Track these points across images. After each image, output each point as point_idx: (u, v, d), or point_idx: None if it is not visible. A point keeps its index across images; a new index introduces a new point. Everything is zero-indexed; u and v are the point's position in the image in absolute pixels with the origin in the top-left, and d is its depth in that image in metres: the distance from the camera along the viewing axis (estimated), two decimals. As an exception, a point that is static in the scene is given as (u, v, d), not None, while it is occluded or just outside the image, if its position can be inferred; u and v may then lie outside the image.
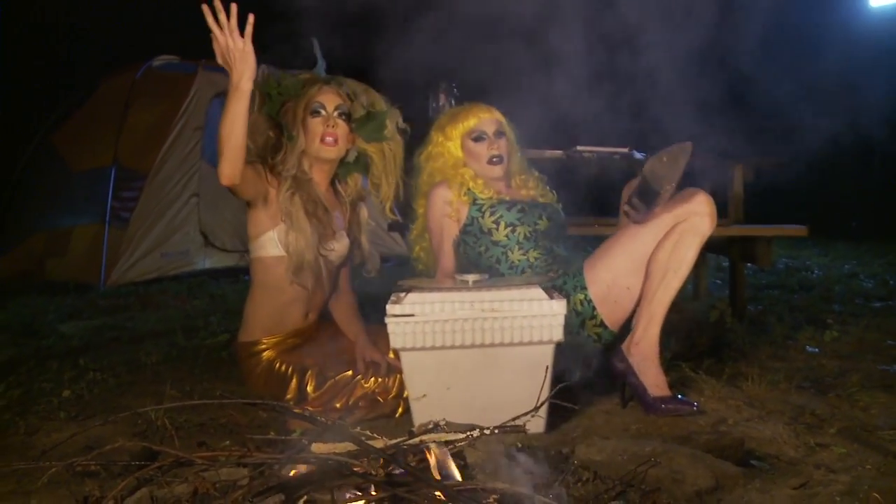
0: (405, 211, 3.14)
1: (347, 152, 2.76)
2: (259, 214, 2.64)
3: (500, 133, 2.92)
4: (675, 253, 2.56)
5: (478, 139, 2.90)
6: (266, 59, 2.55)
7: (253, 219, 2.66)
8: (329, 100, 2.70)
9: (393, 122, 2.82)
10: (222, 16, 2.30)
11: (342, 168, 2.81)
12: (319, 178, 2.75)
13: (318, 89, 2.71)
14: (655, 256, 2.59)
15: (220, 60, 2.34)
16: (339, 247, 2.76)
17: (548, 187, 3.06)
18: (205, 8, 2.29)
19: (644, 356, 2.58)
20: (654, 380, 2.57)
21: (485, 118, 2.92)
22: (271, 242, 2.64)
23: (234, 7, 2.30)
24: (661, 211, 2.61)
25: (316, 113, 2.68)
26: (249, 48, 2.31)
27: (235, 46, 2.30)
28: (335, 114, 2.69)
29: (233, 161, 2.37)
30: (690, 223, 2.57)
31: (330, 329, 2.82)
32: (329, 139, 2.67)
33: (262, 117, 2.66)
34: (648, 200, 2.57)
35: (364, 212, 2.88)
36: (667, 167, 2.57)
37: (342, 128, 2.70)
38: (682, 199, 2.60)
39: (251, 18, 2.32)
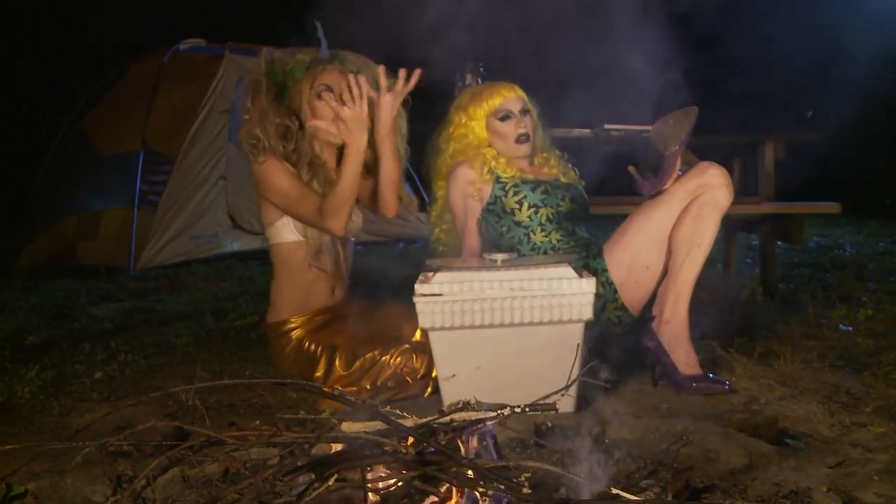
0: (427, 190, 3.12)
1: None
2: (271, 204, 2.66)
3: (525, 111, 2.88)
4: (696, 228, 2.54)
5: (504, 118, 2.86)
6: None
7: (266, 206, 2.67)
8: (335, 81, 2.68)
9: None
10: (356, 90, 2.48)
11: None
12: (329, 157, 2.75)
13: (322, 70, 2.70)
14: (677, 233, 2.57)
15: (333, 127, 2.56)
16: (353, 226, 2.77)
17: (569, 165, 3.02)
18: (351, 80, 2.50)
19: (674, 335, 2.56)
20: (685, 358, 2.55)
21: (510, 97, 2.88)
22: (287, 228, 2.66)
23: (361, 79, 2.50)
24: (676, 187, 2.60)
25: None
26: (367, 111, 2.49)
27: (362, 113, 2.47)
28: None
29: (350, 213, 2.56)
30: (708, 196, 2.54)
31: (358, 307, 2.82)
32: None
33: (271, 106, 2.66)
34: (655, 163, 2.61)
35: None
36: (672, 129, 2.61)
37: None
38: (695, 174, 2.58)
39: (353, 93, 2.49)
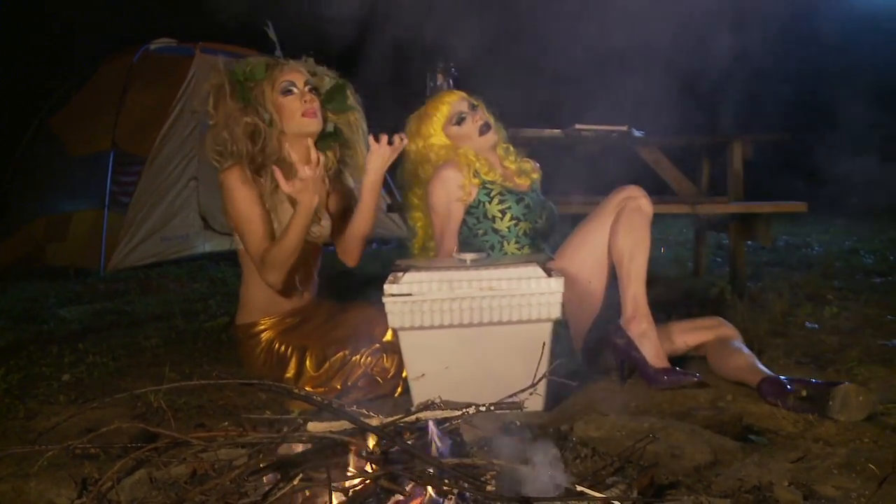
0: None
1: (325, 124, 2.77)
2: None
3: (473, 106, 2.91)
4: (630, 233, 2.65)
5: (460, 121, 2.88)
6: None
7: None
8: (297, 77, 2.71)
9: (351, 92, 2.86)
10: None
11: (321, 142, 2.80)
12: (299, 157, 2.74)
13: (282, 69, 2.71)
14: (615, 245, 2.68)
15: (287, 191, 2.50)
16: (321, 230, 2.77)
17: (526, 158, 3.04)
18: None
19: (641, 330, 2.60)
20: (654, 352, 2.59)
21: (454, 101, 2.91)
22: None
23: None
24: (601, 206, 2.77)
25: (288, 92, 2.68)
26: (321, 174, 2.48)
27: (317, 176, 2.45)
28: (306, 89, 2.70)
29: (289, 268, 2.56)
30: (632, 205, 2.69)
31: (329, 308, 2.82)
32: (309, 113, 2.68)
33: (236, 105, 2.65)
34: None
35: (349, 179, 2.91)
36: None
37: (316, 101, 2.71)
38: (615, 194, 2.75)
39: (313, 156, 2.49)
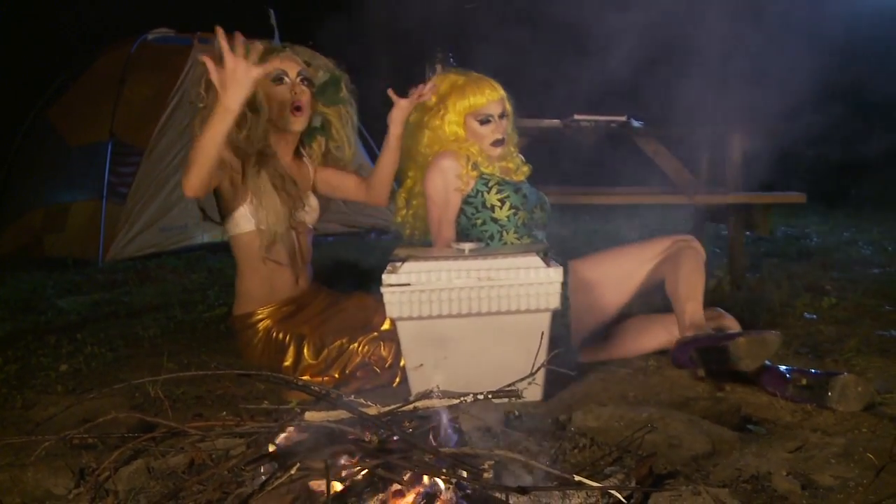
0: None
1: (312, 118, 2.76)
2: (226, 194, 2.64)
3: (503, 114, 2.85)
4: (686, 263, 2.73)
5: (484, 122, 2.81)
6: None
7: (224, 195, 2.65)
8: (290, 66, 2.70)
9: (346, 85, 2.85)
10: (231, 42, 2.30)
11: (307, 134, 2.81)
12: (284, 148, 2.74)
13: (275, 56, 2.69)
14: (671, 276, 2.76)
15: (215, 79, 2.31)
16: (309, 217, 2.78)
17: (522, 158, 3.02)
18: (219, 31, 2.30)
19: (699, 326, 2.65)
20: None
21: (493, 99, 2.82)
22: (244, 219, 2.65)
23: (239, 36, 2.34)
24: (650, 242, 2.86)
25: (279, 80, 2.67)
26: (253, 74, 2.30)
27: (241, 72, 2.28)
28: (298, 80, 2.69)
29: (203, 175, 2.36)
30: (684, 244, 2.79)
31: (327, 297, 2.82)
32: (296, 106, 2.67)
33: None
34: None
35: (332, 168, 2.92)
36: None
37: (307, 94, 2.71)
38: (666, 237, 2.86)
39: (259, 47, 2.35)
